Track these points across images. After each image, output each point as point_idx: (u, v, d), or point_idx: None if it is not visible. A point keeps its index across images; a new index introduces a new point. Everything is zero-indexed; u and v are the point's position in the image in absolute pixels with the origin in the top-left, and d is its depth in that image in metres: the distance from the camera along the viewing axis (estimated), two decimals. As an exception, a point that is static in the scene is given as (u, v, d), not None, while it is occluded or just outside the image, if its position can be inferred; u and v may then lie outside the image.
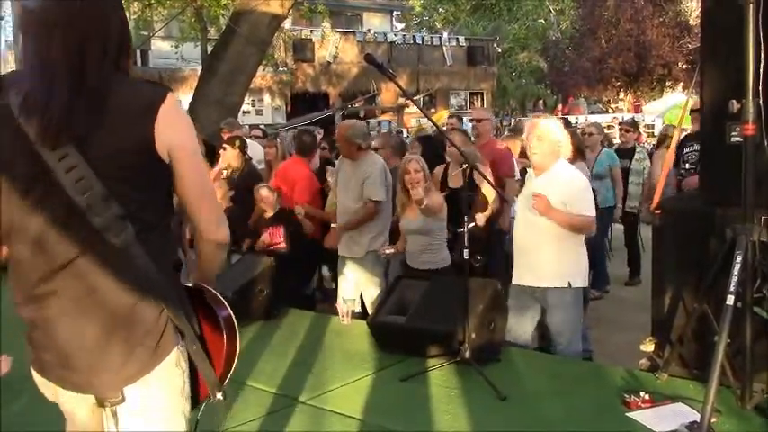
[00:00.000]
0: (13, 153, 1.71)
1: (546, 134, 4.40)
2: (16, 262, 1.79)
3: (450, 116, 11.04)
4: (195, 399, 1.93)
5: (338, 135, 5.66)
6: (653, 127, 20.15)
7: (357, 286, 5.60)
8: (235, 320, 1.94)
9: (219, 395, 1.89)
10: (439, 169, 5.81)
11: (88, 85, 1.69)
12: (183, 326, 1.79)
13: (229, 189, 6.51)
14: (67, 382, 1.80)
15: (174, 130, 1.76)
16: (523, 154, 6.00)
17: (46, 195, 1.71)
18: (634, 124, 10.45)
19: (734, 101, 3.35)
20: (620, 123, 11.31)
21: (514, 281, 4.61)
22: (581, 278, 4.48)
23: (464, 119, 13.26)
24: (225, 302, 1.95)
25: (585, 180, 4.52)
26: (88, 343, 1.73)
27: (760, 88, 3.30)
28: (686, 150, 5.91)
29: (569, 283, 4.38)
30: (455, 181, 5.54)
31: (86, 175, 1.67)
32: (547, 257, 4.39)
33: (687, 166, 5.81)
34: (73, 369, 1.76)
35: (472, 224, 4.61)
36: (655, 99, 27.63)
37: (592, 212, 4.39)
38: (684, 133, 7.52)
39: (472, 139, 6.51)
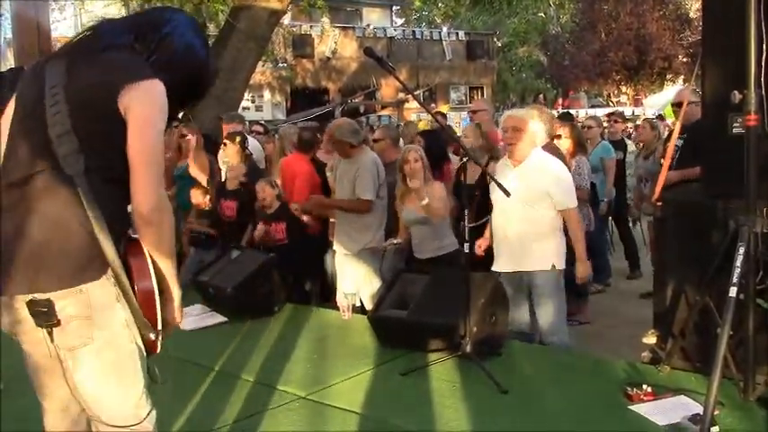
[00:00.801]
0: (30, 94, 2.09)
1: (523, 124, 4.49)
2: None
3: (436, 112, 11.09)
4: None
5: (328, 136, 5.63)
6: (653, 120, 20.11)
7: (354, 282, 5.58)
8: (155, 294, 2.06)
9: (152, 334, 2.07)
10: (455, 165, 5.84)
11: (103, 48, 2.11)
12: (113, 259, 1.98)
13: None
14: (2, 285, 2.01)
15: (139, 97, 2.01)
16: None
17: (34, 125, 2.04)
18: (622, 115, 10.46)
19: (736, 92, 3.33)
20: (608, 114, 11.25)
21: (495, 268, 4.67)
22: (561, 260, 4.59)
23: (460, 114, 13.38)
24: (151, 273, 2.06)
25: (566, 169, 4.62)
26: (22, 247, 1.98)
27: (762, 79, 3.28)
28: (668, 145, 5.85)
29: (553, 265, 4.50)
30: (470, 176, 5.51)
31: (62, 110, 2.00)
32: (529, 243, 4.48)
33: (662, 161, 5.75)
34: (6, 271, 1.99)
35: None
36: (655, 92, 27.61)
37: (575, 203, 4.56)
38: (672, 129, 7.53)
39: None
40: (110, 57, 2.07)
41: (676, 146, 5.59)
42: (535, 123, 4.59)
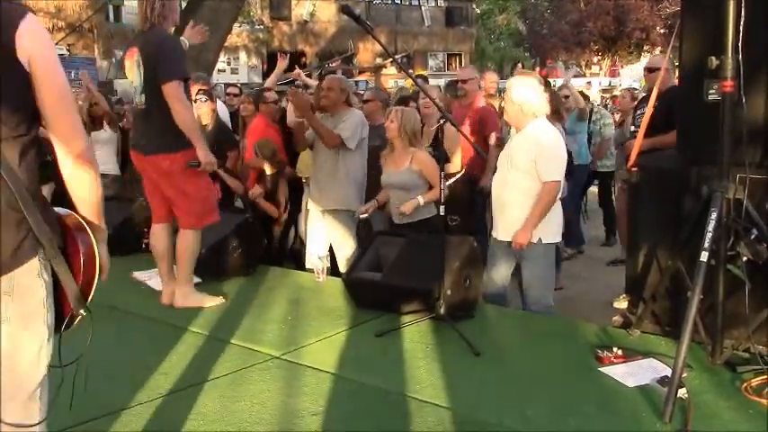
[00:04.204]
0: None
1: (514, 95, 4.44)
2: None
3: (418, 75, 11.11)
4: (61, 317, 2.02)
5: (330, 85, 5.55)
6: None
7: (327, 242, 5.60)
8: (95, 248, 2.01)
9: (82, 311, 1.99)
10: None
11: None
12: (44, 236, 1.90)
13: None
14: None
15: (33, 41, 1.90)
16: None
17: None
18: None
19: (713, 57, 3.33)
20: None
21: (493, 234, 4.69)
22: (552, 234, 4.53)
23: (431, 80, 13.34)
24: (88, 229, 2.02)
25: (558, 143, 4.51)
26: None
27: (740, 45, 3.28)
28: (638, 112, 5.88)
29: (540, 239, 4.44)
30: (426, 141, 5.52)
31: None
32: (519, 214, 4.43)
33: (633, 128, 5.80)
34: None
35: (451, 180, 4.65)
36: (632, 63, 27.70)
37: (554, 177, 4.38)
38: (642, 95, 7.60)
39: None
40: None
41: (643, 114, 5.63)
42: (529, 94, 4.43)
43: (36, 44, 1.90)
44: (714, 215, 3.32)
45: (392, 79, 22.57)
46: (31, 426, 1.96)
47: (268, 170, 6.16)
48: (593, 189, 8.81)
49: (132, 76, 4.49)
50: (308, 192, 6.01)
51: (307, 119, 5.35)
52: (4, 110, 1.86)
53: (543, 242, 4.46)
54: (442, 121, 4.22)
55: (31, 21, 1.91)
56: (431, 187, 5.03)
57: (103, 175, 7.22)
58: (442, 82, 16.85)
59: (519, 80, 4.65)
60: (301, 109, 5.34)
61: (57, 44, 14.66)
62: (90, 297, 2.01)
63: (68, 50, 19.09)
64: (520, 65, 29.48)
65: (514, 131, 4.62)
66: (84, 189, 2.03)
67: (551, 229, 4.51)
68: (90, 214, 2.05)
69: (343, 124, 5.32)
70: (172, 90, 4.29)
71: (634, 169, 4.21)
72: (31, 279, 1.90)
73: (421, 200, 4.97)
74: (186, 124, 4.37)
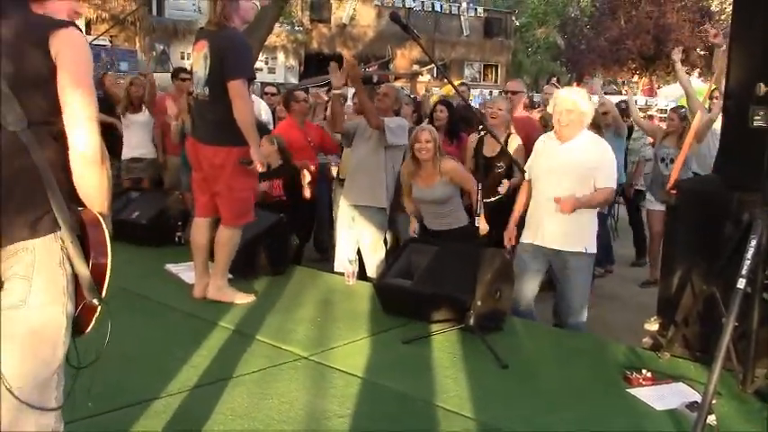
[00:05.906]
0: None
1: (576, 105, 4.48)
2: None
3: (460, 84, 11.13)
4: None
5: (387, 91, 5.78)
6: (666, 111, 20.01)
7: (356, 244, 5.64)
8: (108, 245, 2.05)
9: (95, 300, 2.03)
10: (473, 137, 5.78)
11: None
12: (62, 216, 1.98)
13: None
14: None
15: (63, 41, 2.01)
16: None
17: None
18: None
19: (761, 84, 3.31)
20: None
21: (525, 239, 4.66)
22: (593, 245, 4.60)
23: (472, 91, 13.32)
24: (104, 226, 2.05)
25: (612, 151, 4.59)
26: None
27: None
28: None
29: (586, 249, 4.51)
30: (490, 149, 5.54)
31: None
32: (567, 223, 4.46)
33: None
34: None
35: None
36: (670, 83, 27.40)
37: (612, 183, 4.52)
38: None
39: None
40: (25, 19, 2.05)
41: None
42: (586, 104, 4.55)
43: (64, 44, 2.01)
44: (754, 242, 3.28)
45: (426, 87, 22.59)
46: (47, 410, 2.00)
47: (273, 162, 6.21)
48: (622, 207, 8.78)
49: (198, 68, 4.60)
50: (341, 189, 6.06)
51: (357, 90, 5.64)
52: (27, 103, 1.97)
53: (587, 252, 4.52)
54: (482, 133, 4.23)
55: (69, 31, 2.04)
56: (464, 191, 5.19)
57: (139, 159, 7.56)
58: (476, 92, 16.86)
59: (579, 91, 4.72)
60: (354, 80, 5.59)
61: (100, 36, 14.87)
62: (104, 290, 2.04)
63: (110, 41, 19.37)
64: (555, 79, 29.40)
65: (552, 137, 4.64)
66: (91, 187, 2.05)
67: (593, 240, 4.59)
68: (93, 207, 2.08)
69: (389, 120, 5.44)
70: (237, 88, 4.41)
71: (673, 191, 4.18)
72: (54, 267, 1.98)
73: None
74: (245, 122, 4.48)
